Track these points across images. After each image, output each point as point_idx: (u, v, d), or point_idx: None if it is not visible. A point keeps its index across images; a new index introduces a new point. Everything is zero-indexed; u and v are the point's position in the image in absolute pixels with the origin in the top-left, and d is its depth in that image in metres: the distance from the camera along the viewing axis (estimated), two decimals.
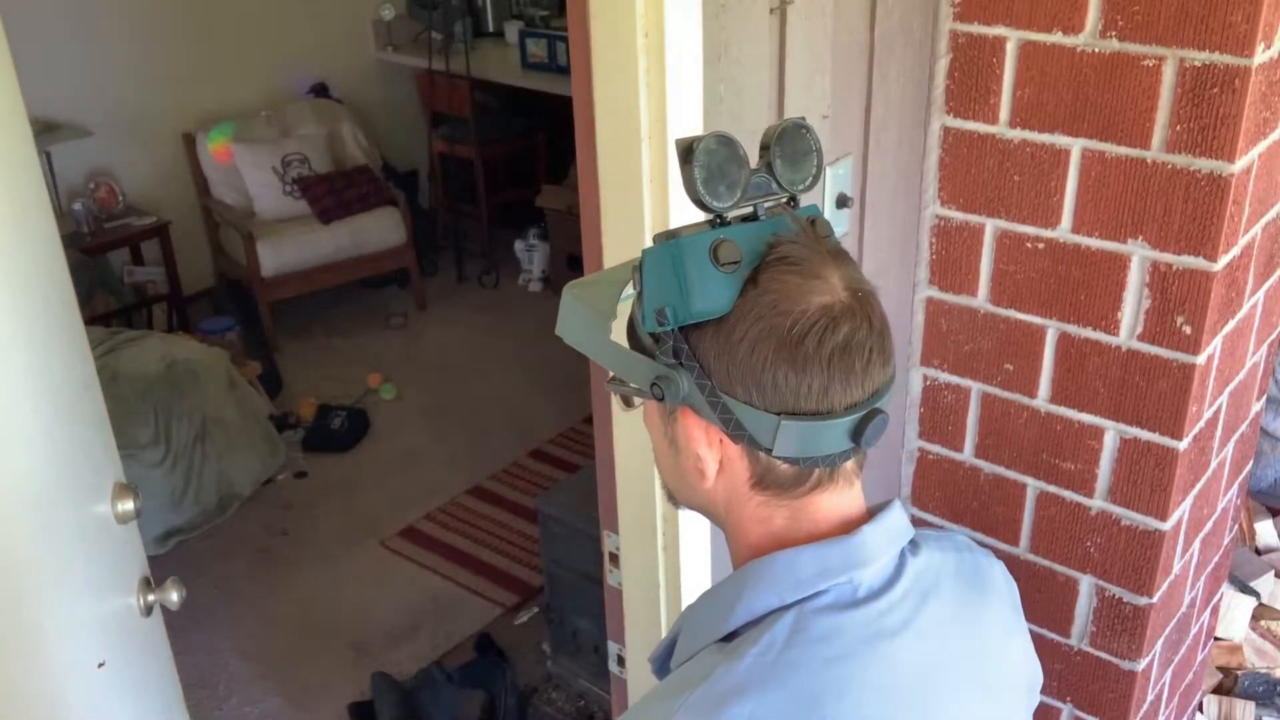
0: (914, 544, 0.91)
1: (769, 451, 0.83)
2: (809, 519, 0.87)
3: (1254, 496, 3.18)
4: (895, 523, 0.89)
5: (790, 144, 0.88)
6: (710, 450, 0.87)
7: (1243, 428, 2.08)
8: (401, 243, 5.03)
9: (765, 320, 0.80)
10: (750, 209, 0.86)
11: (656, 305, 0.83)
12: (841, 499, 0.88)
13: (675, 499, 0.97)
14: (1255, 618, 2.83)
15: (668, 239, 0.83)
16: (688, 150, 0.82)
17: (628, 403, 0.93)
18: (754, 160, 0.86)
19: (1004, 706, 0.95)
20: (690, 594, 1.60)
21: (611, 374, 0.90)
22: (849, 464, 0.88)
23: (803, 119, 0.90)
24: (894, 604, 0.86)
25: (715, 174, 0.82)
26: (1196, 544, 2.02)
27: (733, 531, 0.91)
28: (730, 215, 0.84)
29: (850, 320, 0.81)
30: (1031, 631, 1.97)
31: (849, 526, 0.87)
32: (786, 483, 0.86)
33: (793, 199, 0.89)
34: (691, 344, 0.83)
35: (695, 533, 1.60)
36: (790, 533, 0.87)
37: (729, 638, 0.87)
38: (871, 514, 0.90)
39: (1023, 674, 0.98)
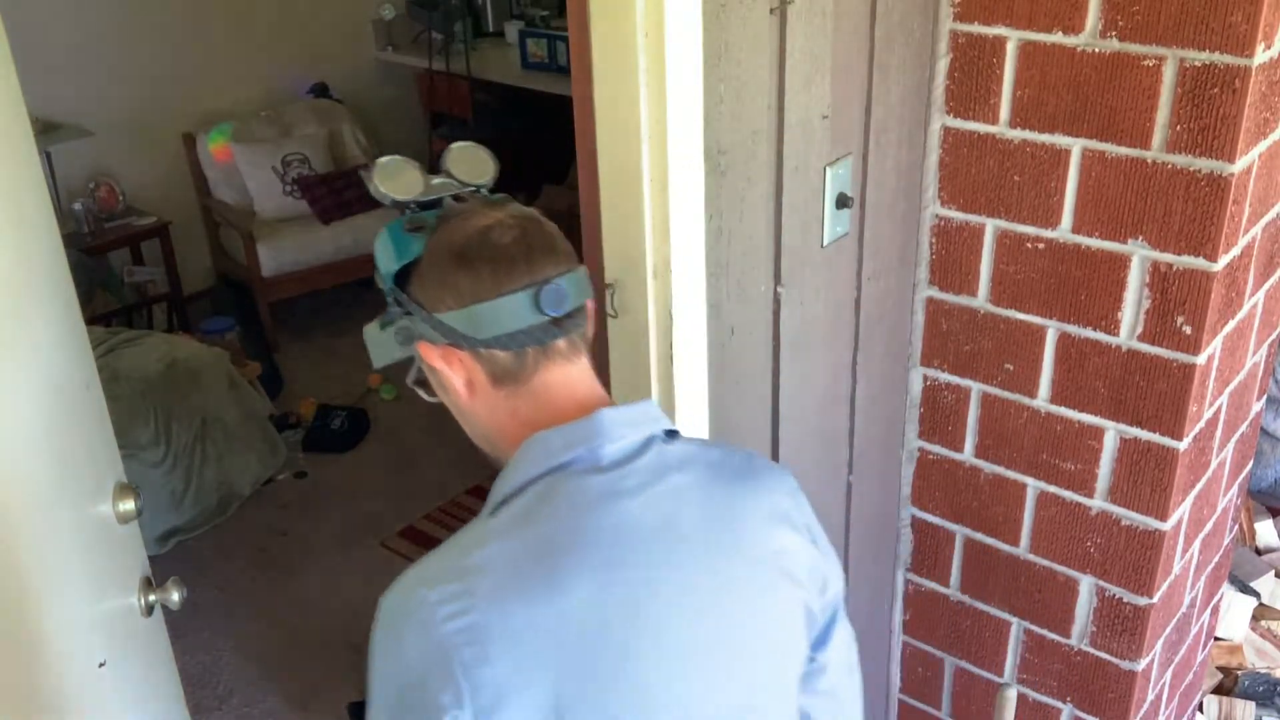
0: (674, 436, 1.07)
1: (479, 342, 1.01)
2: (547, 401, 1.04)
3: (1254, 496, 3.18)
4: (640, 413, 1.06)
5: (461, 157, 1.13)
6: (452, 369, 1.05)
7: (1243, 428, 2.08)
8: None
9: (440, 249, 1.03)
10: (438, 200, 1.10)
11: (382, 275, 1.07)
12: (567, 376, 1.05)
13: (487, 454, 1.11)
14: (1255, 618, 2.83)
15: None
16: (367, 167, 1.06)
17: (426, 390, 1.13)
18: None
19: (763, 583, 1.06)
20: None
21: (410, 376, 1.11)
22: (560, 343, 1.04)
23: (474, 143, 1.15)
24: (634, 471, 1.02)
25: (392, 178, 1.08)
26: (1196, 544, 2.02)
27: (501, 438, 1.06)
28: (420, 205, 1.08)
29: (504, 230, 1.02)
30: (1032, 632, 2.00)
31: (589, 408, 1.04)
32: (512, 369, 1.03)
33: (480, 192, 1.11)
34: (406, 291, 1.05)
35: None
36: (536, 416, 1.04)
37: (497, 512, 1.02)
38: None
39: (802, 564, 1.09)
